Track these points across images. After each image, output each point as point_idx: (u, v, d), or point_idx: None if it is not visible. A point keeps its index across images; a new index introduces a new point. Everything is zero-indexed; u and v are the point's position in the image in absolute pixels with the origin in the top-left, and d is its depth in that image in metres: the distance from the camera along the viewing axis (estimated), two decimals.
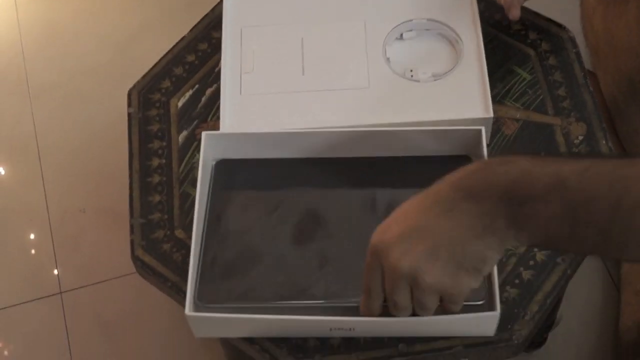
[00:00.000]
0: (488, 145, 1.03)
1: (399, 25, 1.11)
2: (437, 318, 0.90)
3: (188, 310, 0.93)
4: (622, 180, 0.69)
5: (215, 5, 1.21)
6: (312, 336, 0.97)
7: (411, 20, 1.11)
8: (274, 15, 1.15)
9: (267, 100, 1.09)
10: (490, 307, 0.92)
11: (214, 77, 1.16)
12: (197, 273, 0.98)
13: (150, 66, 1.18)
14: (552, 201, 0.70)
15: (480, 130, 0.99)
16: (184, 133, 1.12)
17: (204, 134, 1.02)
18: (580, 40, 1.20)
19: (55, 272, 1.52)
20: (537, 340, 1.37)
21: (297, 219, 1.02)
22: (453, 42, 1.10)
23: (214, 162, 1.05)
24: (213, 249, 1.00)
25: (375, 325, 0.92)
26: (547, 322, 1.34)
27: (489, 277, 0.92)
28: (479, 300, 0.92)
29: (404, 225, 0.77)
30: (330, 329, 0.95)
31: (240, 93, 1.09)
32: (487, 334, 0.95)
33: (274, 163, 1.06)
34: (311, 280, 0.98)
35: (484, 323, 0.93)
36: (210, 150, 1.03)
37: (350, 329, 0.94)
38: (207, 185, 1.03)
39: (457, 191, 0.75)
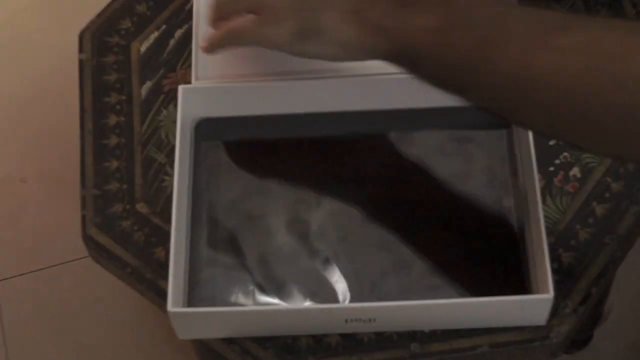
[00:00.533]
0: None
1: None
2: (476, 301, 0.93)
3: (171, 306, 0.93)
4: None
5: None
6: (323, 333, 0.98)
7: None
8: None
9: None
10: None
11: (185, 15, 1.16)
12: (186, 260, 0.99)
13: (107, 2, 1.18)
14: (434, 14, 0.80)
15: None
16: (148, 84, 1.12)
17: (181, 87, 1.03)
18: None
19: None
20: (580, 339, 1.37)
21: (294, 189, 1.03)
22: None
23: (194, 123, 1.06)
24: (199, 231, 1.01)
25: (401, 312, 0.94)
26: (593, 316, 1.34)
27: (540, 254, 0.94)
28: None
29: None
30: (347, 320, 0.95)
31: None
32: (538, 323, 0.96)
33: (266, 120, 1.06)
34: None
35: (534, 308, 0.94)
36: (189, 107, 1.04)
37: (370, 320, 0.95)
38: (188, 152, 1.04)
39: None
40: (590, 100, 0.73)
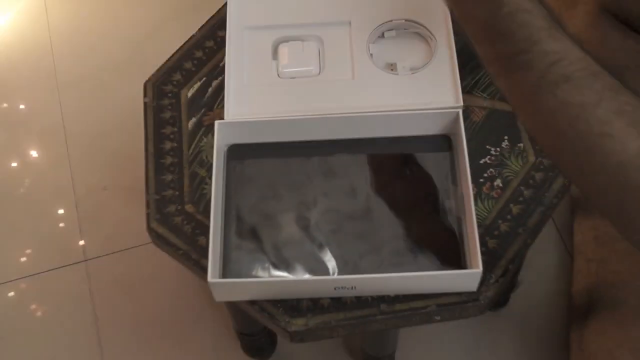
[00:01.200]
0: None
1: (380, 25, 1.11)
2: (427, 274, 0.93)
3: (211, 277, 0.93)
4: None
5: (220, 8, 1.21)
6: (318, 297, 0.97)
7: (391, 21, 1.11)
8: (271, 17, 1.15)
9: (265, 90, 1.09)
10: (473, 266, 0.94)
11: (219, 70, 1.15)
12: (220, 245, 0.98)
13: (164, 61, 1.18)
14: None
15: (458, 112, 1.01)
16: (193, 120, 1.12)
17: (217, 122, 1.03)
18: None
19: (81, 242, 1.52)
20: (501, 301, 1.37)
21: (298, 194, 1.03)
22: (428, 40, 1.10)
23: (226, 148, 1.06)
24: (229, 225, 1.01)
25: (373, 282, 0.94)
26: (510, 285, 1.34)
27: (473, 241, 0.94)
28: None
29: None
30: (335, 288, 0.95)
31: (243, 84, 1.09)
32: (471, 290, 0.95)
33: (277, 146, 1.06)
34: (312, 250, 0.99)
35: (468, 279, 0.94)
36: (222, 136, 1.03)
37: (352, 287, 0.95)
38: (222, 168, 1.04)
39: None
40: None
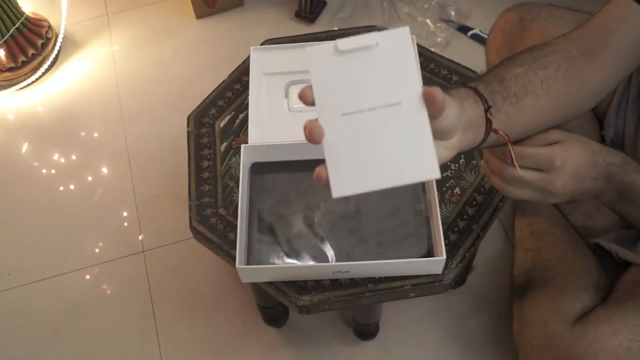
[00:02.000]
0: None
1: None
2: (404, 261, 0.92)
3: (238, 264, 0.92)
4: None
5: (245, 59, 1.20)
6: (320, 278, 0.96)
7: None
8: (284, 65, 1.14)
9: (279, 121, 1.08)
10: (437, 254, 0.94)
11: (244, 107, 1.14)
12: (245, 240, 0.97)
13: (202, 100, 1.17)
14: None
15: None
16: (224, 144, 1.11)
17: (242, 146, 1.02)
18: None
19: (140, 237, 1.51)
20: (460, 281, 1.36)
21: (305, 200, 1.02)
22: None
23: (249, 165, 1.05)
24: (252, 224, 1.00)
25: (362, 267, 0.93)
26: (467, 268, 1.33)
27: (438, 235, 0.93)
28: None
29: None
30: (333, 272, 0.94)
31: (262, 117, 1.08)
32: (437, 272, 0.94)
33: (288, 164, 1.06)
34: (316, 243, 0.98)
35: (435, 265, 0.93)
36: (247, 156, 1.03)
37: (346, 271, 0.94)
38: (246, 181, 1.03)
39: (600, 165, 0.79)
40: None
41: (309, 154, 1.04)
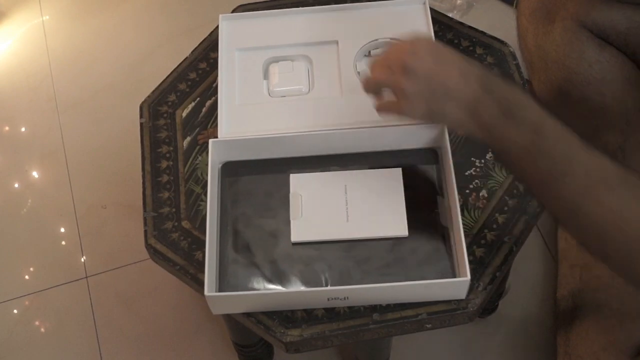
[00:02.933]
0: None
1: (366, 44, 1.11)
2: (418, 284, 0.92)
3: (208, 291, 0.92)
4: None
5: (213, 30, 1.21)
6: (312, 307, 0.97)
7: (377, 40, 1.11)
8: (261, 38, 1.14)
9: (257, 109, 1.09)
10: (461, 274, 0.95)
11: (212, 91, 1.15)
12: (216, 260, 0.98)
13: (159, 83, 1.17)
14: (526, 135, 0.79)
15: (443, 126, 1.01)
16: (188, 139, 1.11)
17: (211, 141, 1.02)
18: (518, 54, 1.20)
19: (82, 259, 1.51)
20: (489, 307, 1.36)
21: (287, 215, 1.02)
22: None
23: (219, 165, 1.05)
24: (225, 239, 1.00)
25: (366, 292, 0.93)
26: (498, 292, 1.33)
27: (460, 251, 0.94)
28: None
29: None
30: (328, 299, 0.94)
31: (235, 104, 1.09)
32: (460, 297, 0.95)
33: (269, 162, 1.06)
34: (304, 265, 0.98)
35: (457, 287, 0.94)
36: (216, 154, 1.03)
37: (344, 298, 0.94)
38: (216, 185, 1.03)
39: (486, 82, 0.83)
40: (609, 242, 0.75)
41: (295, 150, 1.04)
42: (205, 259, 0.95)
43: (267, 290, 0.96)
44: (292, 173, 1.04)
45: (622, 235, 0.74)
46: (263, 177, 1.06)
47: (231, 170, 1.06)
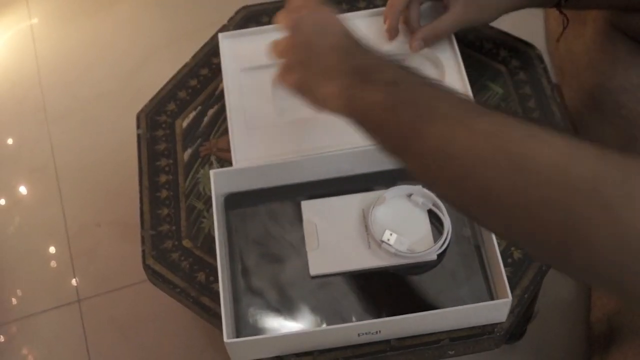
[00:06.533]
0: None
1: None
2: (456, 310, 0.91)
3: (227, 337, 0.90)
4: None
5: (214, 34, 1.21)
6: (341, 345, 0.96)
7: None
8: (265, 56, 1.14)
9: (264, 132, 1.08)
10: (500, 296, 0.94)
11: (215, 99, 1.15)
12: (230, 302, 0.97)
13: (157, 91, 1.18)
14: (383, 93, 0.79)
15: None
16: (188, 151, 1.12)
17: (212, 172, 1.02)
18: (547, 57, 1.20)
19: (74, 281, 1.52)
20: (517, 332, 1.36)
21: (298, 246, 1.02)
22: (437, 63, 1.11)
23: (223, 198, 1.05)
24: (237, 279, 1.00)
25: (400, 323, 0.93)
26: (526, 315, 1.33)
27: (497, 268, 0.94)
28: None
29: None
30: (359, 334, 0.94)
31: (245, 128, 1.08)
32: (500, 320, 0.95)
33: (276, 191, 1.06)
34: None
35: (498, 310, 0.93)
36: (219, 186, 1.03)
37: (377, 332, 0.93)
38: (222, 220, 1.03)
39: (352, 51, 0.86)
40: (492, 179, 0.69)
41: (304, 175, 1.04)
42: (220, 301, 0.93)
43: (290, 330, 0.95)
44: (303, 200, 1.03)
45: (488, 170, 0.71)
46: (272, 207, 1.05)
47: (236, 201, 1.05)
